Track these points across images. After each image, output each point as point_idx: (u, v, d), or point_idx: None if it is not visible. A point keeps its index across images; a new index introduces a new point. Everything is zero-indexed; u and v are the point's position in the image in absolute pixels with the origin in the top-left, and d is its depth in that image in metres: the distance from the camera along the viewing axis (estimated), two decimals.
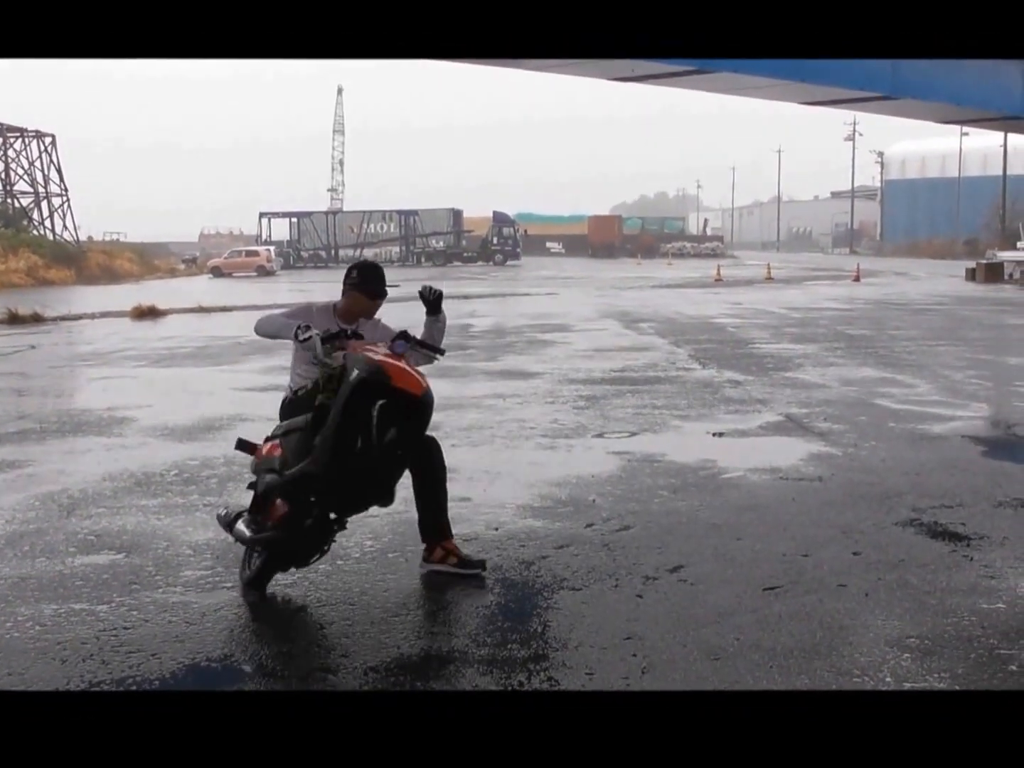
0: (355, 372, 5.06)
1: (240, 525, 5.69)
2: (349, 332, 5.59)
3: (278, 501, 5.42)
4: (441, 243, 74.44)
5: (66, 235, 61.49)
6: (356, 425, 5.00)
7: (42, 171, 62.52)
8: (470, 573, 5.95)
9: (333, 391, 5.17)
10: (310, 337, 5.39)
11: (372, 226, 75.79)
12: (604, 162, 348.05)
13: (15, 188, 61.37)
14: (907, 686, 4.50)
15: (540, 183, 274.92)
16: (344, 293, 6.06)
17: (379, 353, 5.20)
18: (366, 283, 5.98)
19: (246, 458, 8.95)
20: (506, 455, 9.20)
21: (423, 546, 6.12)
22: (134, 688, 4.54)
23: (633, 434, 10.16)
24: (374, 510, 7.36)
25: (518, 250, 73.58)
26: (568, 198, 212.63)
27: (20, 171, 61.94)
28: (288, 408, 5.96)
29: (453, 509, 7.36)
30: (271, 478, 5.44)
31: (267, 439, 5.77)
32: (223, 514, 6.08)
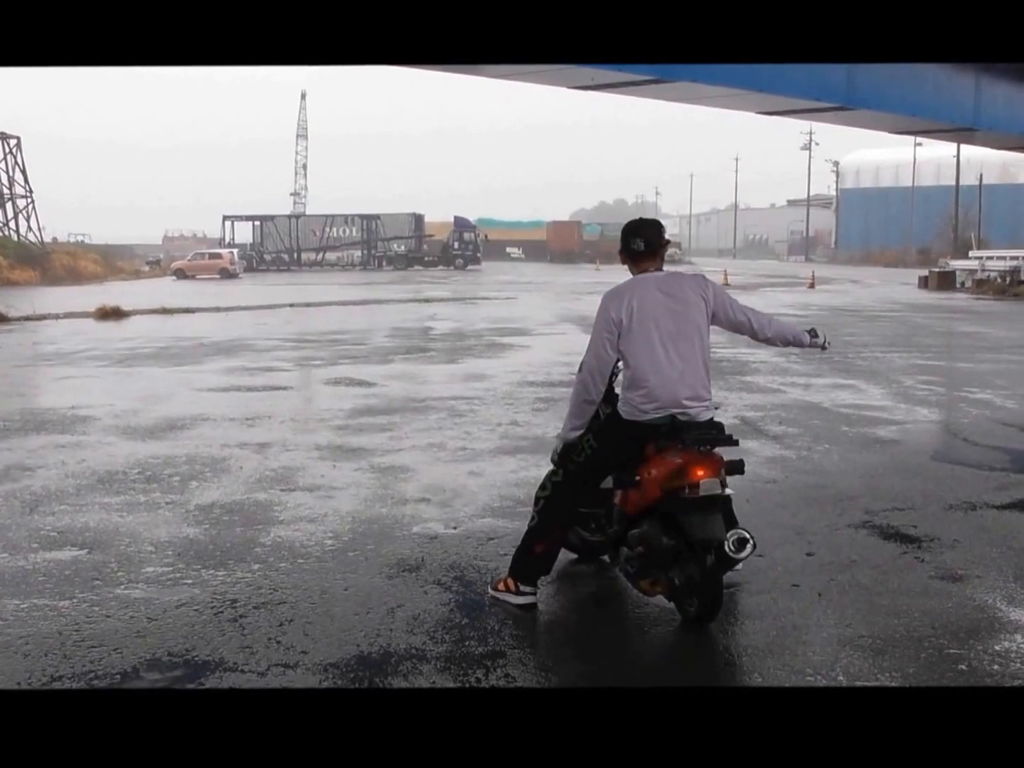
0: None
1: None
2: None
3: None
4: (403, 247, 74.31)
5: (31, 236, 60.72)
6: None
7: (7, 172, 61.53)
8: None
9: None
10: None
11: (334, 230, 75.57)
12: (563, 168, 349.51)
13: None
14: (859, 684, 4.61)
15: (500, 189, 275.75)
16: None
17: None
18: None
19: (206, 457, 9.03)
20: (465, 455, 9.24)
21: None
22: (99, 685, 4.57)
23: None
24: (334, 510, 7.44)
25: (479, 255, 73.56)
26: (528, 204, 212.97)
27: None
28: None
29: (412, 508, 7.43)
30: None
31: None
32: None
